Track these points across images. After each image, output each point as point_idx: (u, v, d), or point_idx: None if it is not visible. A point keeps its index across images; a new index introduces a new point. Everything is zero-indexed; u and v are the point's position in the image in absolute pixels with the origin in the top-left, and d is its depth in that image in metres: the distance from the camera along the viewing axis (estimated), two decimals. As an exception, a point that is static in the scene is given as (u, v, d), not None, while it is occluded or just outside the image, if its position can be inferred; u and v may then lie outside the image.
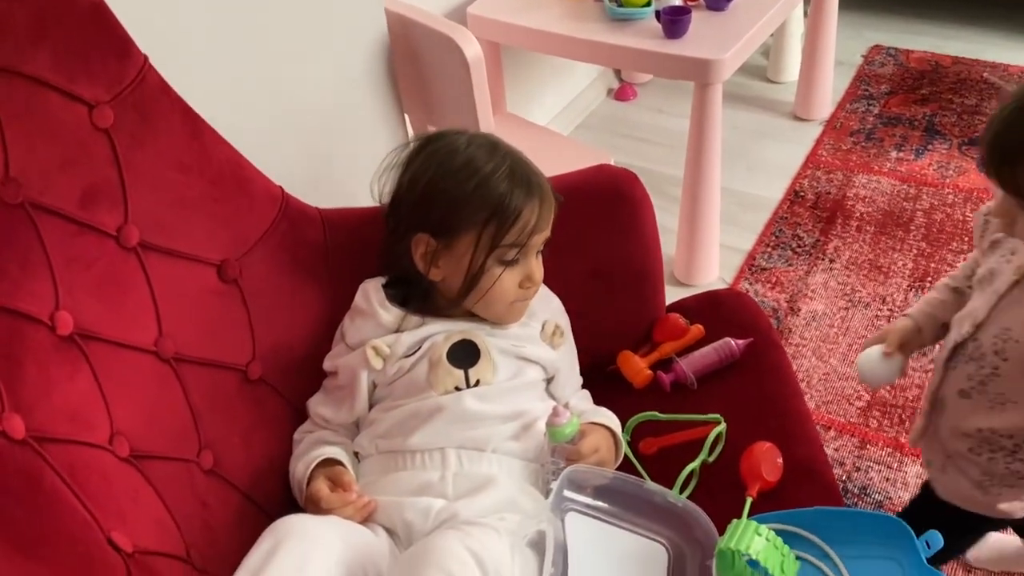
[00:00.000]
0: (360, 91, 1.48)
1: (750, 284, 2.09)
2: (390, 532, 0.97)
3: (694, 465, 1.08)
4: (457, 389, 1.03)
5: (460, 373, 1.04)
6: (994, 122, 0.89)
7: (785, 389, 1.19)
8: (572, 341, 1.16)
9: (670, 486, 1.07)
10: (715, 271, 2.10)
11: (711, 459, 1.10)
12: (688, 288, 2.07)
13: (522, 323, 1.11)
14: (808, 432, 1.13)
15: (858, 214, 2.28)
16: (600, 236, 1.22)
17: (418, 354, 1.05)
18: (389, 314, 1.08)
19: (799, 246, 2.19)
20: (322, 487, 0.97)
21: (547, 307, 1.15)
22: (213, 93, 1.12)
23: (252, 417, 1.08)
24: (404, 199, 1.07)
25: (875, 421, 1.72)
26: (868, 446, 1.67)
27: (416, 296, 1.09)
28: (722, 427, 1.11)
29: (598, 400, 1.19)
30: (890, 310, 1.98)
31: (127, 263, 0.96)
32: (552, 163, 1.51)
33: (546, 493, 1.02)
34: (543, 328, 1.12)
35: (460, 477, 0.99)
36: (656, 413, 1.15)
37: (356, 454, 1.07)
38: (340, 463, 1.02)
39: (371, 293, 1.10)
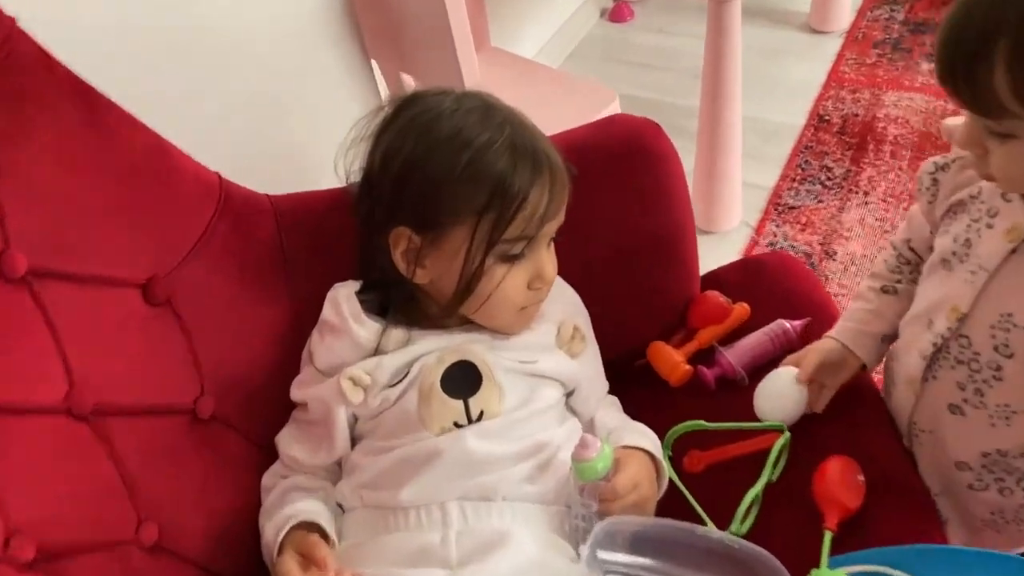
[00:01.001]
0: (313, 34, 1.21)
1: (777, 226, 1.86)
2: (382, 613, 0.77)
3: (756, 490, 0.87)
4: (457, 426, 0.82)
5: (459, 405, 0.82)
6: (951, 16, 0.64)
7: (857, 382, 0.98)
8: (594, 342, 0.94)
9: (725, 514, 0.87)
10: (738, 214, 1.87)
11: (775, 478, 0.90)
12: (708, 236, 1.84)
13: (530, 328, 0.89)
14: (891, 439, 0.92)
15: (891, 137, 2.04)
16: (619, 204, 0.99)
17: (406, 381, 0.84)
18: (366, 330, 0.86)
19: (829, 179, 1.96)
20: (290, 567, 0.77)
21: (561, 303, 0.93)
22: (117, 57, 0.87)
23: (206, 466, 0.87)
24: (377, 182, 0.84)
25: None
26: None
27: (399, 303, 0.87)
28: (785, 437, 0.90)
29: (628, 405, 0.99)
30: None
31: (15, 300, 0.73)
32: (549, 107, 1.26)
33: (575, 540, 0.82)
34: (559, 332, 0.90)
35: (465, 536, 0.79)
36: (703, 422, 0.94)
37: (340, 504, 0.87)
38: (317, 525, 0.82)
39: (342, 303, 0.87)
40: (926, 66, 2.23)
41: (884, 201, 1.88)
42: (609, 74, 2.36)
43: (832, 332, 0.94)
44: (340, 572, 0.76)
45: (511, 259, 0.81)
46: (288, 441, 0.90)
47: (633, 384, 1.02)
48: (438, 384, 0.83)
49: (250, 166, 0.96)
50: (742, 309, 1.05)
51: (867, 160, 1.99)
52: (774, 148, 2.06)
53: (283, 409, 0.92)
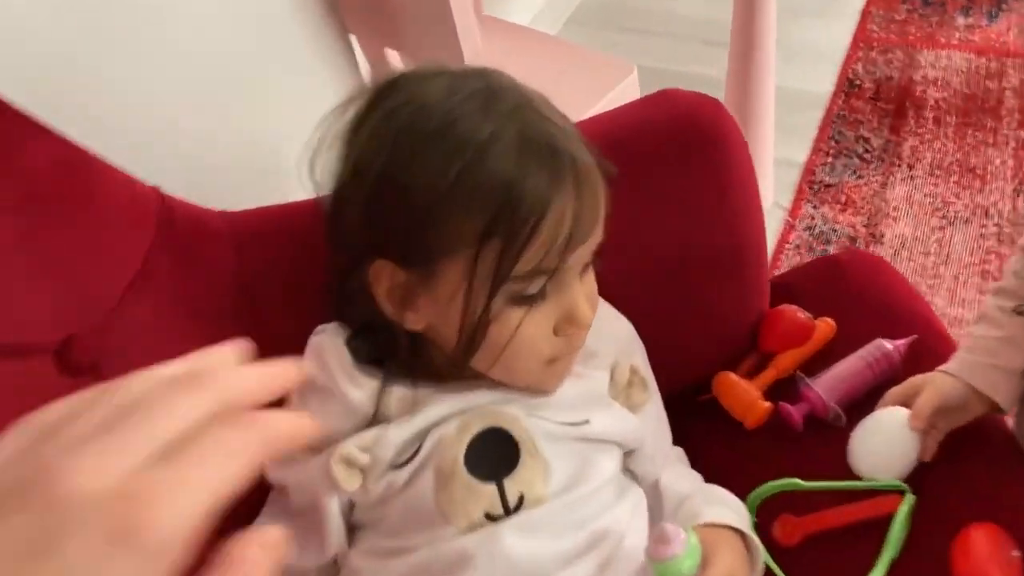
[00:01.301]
0: (277, 5, 0.99)
1: (814, 207, 1.66)
2: None
3: (879, 573, 0.68)
4: (490, 518, 0.61)
5: (491, 490, 0.62)
6: None
7: (984, 417, 0.78)
8: (655, 386, 0.73)
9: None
10: (770, 195, 1.66)
11: (896, 554, 0.70)
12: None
13: (576, 374, 0.68)
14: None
15: (932, 102, 1.83)
16: (674, 208, 0.78)
17: (418, 460, 0.63)
18: (361, 390, 0.65)
19: (867, 151, 1.75)
20: None
21: (613, 339, 0.72)
22: (22, 45, 0.65)
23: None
24: (349, 199, 0.62)
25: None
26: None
27: (396, 352, 0.66)
28: (909, 501, 0.70)
29: (693, 452, 0.78)
30: (997, 225, 1.56)
31: None
32: (557, 83, 1.04)
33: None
34: (612, 377, 0.69)
35: (513, 671, 0.58)
36: (797, 481, 0.74)
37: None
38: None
39: (329, 355, 0.66)
40: (962, 20, 2.02)
41: (932, 175, 1.68)
42: (610, 42, 2.14)
43: (951, 367, 0.73)
44: None
45: (528, 300, 0.60)
46: (268, 534, 0.69)
47: (696, 426, 0.82)
48: (462, 462, 0.62)
49: (200, 176, 0.74)
50: (826, 326, 0.85)
51: (908, 128, 1.78)
52: (801, 119, 1.85)
53: (260, 491, 0.71)
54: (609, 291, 0.75)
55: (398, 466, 0.63)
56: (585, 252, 0.61)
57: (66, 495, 0.25)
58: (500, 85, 0.61)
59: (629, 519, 0.66)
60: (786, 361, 0.83)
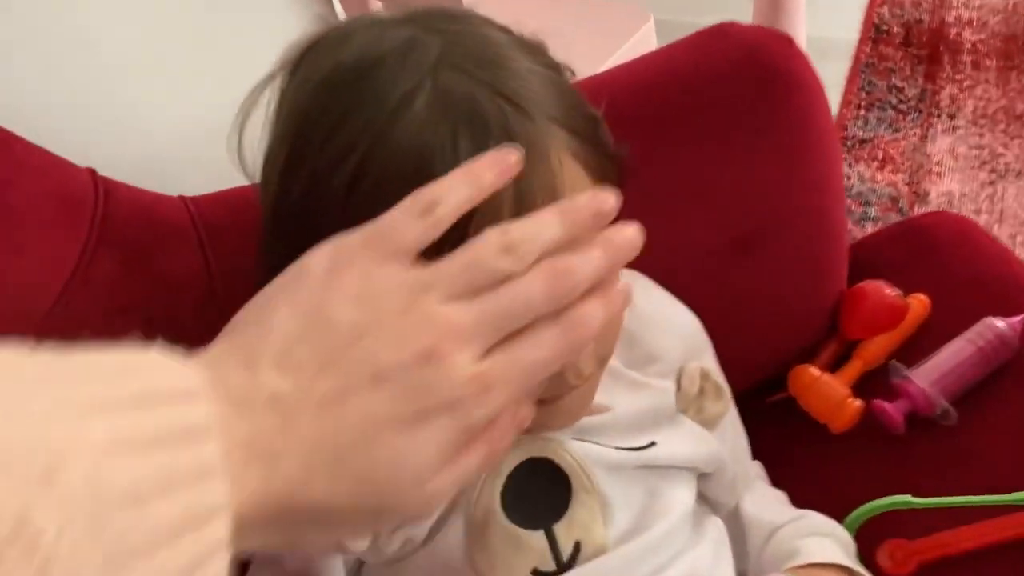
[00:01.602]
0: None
1: (849, 166, 1.51)
2: None
3: (1026, 615, 0.54)
4: (537, 574, 0.47)
5: (539, 540, 0.48)
6: None
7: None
8: (728, 392, 0.58)
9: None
10: (800, 156, 1.51)
11: (1042, 585, 0.56)
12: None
13: (634, 384, 0.53)
14: None
15: (968, 45, 1.68)
16: (744, 169, 0.63)
17: (441, 506, 0.49)
18: None
19: (901, 101, 1.60)
20: None
21: (675, 336, 0.57)
22: None
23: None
24: (267, 186, 0.46)
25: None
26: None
27: None
28: (1055, 519, 0.56)
29: (773, 472, 0.64)
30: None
31: None
32: (564, 35, 0.88)
33: None
34: (679, 384, 0.55)
35: None
36: (909, 498, 0.60)
37: None
38: None
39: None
40: (993, -44, 1.86)
41: (976, 124, 1.53)
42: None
43: None
44: None
45: None
46: (256, 601, 0.55)
47: (769, 433, 0.68)
48: (499, 506, 0.48)
49: (152, 153, 0.60)
50: (919, 304, 0.70)
51: (944, 75, 1.63)
52: (827, 69, 1.68)
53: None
54: (660, 274, 0.61)
55: (417, 517, 0.49)
56: None
57: (444, 378, 0.29)
58: (435, 28, 0.43)
59: (712, 563, 0.52)
60: (875, 349, 0.69)
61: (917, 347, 0.69)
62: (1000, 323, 0.67)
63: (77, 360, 0.25)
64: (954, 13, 1.75)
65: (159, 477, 0.24)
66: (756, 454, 0.66)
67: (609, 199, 0.34)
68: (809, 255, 0.67)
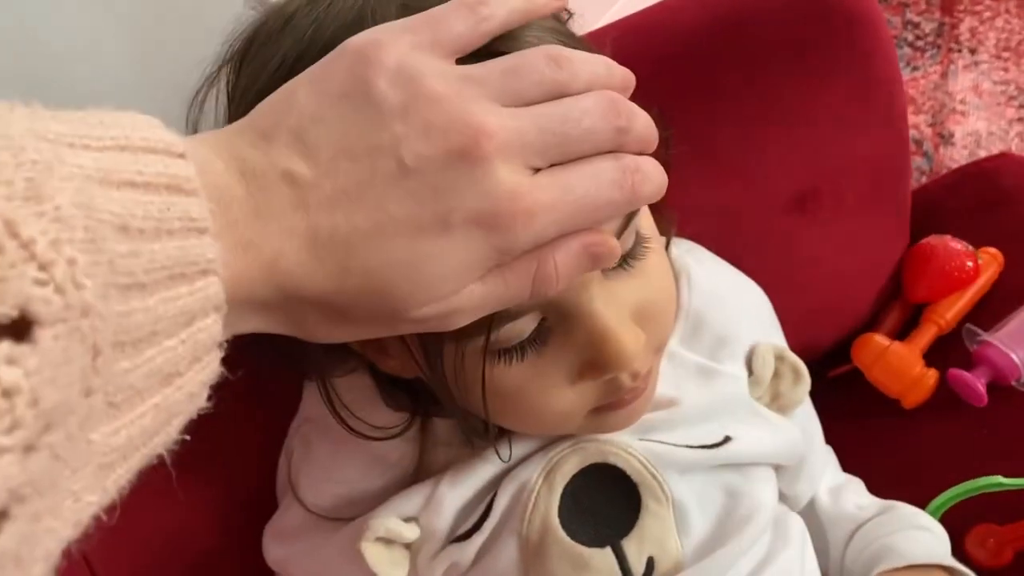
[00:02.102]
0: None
1: (868, 109, 1.43)
2: None
3: None
4: (606, 594, 0.41)
5: (606, 557, 0.41)
6: None
7: None
8: (807, 373, 0.51)
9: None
10: (815, 100, 1.43)
11: None
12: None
13: (701, 370, 0.46)
14: None
15: (986, -26, 1.59)
16: (806, 117, 0.55)
17: (489, 524, 0.42)
18: (393, 426, 0.43)
19: (919, 38, 1.52)
20: None
21: (743, 315, 0.50)
22: None
23: None
24: None
25: None
26: None
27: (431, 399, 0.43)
28: None
29: (841, 455, 0.58)
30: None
31: None
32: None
33: None
34: (750, 368, 0.48)
35: None
36: (1000, 479, 0.54)
37: None
38: None
39: (340, 386, 0.44)
40: None
41: (999, 57, 1.45)
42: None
43: None
44: None
45: (512, 353, 0.36)
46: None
47: (833, 411, 0.60)
48: (556, 522, 0.41)
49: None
50: (992, 259, 0.63)
51: (962, 7, 1.55)
52: (838, 8, 1.61)
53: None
54: (712, 241, 0.53)
55: (461, 538, 0.42)
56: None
57: (477, 182, 0.27)
58: None
59: (799, 567, 0.45)
60: (947, 312, 0.62)
61: (991, 308, 0.62)
62: (1087, 276, 0.60)
63: (56, 113, 0.23)
64: (968, -59, 1.66)
65: (149, 217, 0.22)
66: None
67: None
68: (872, 210, 0.60)
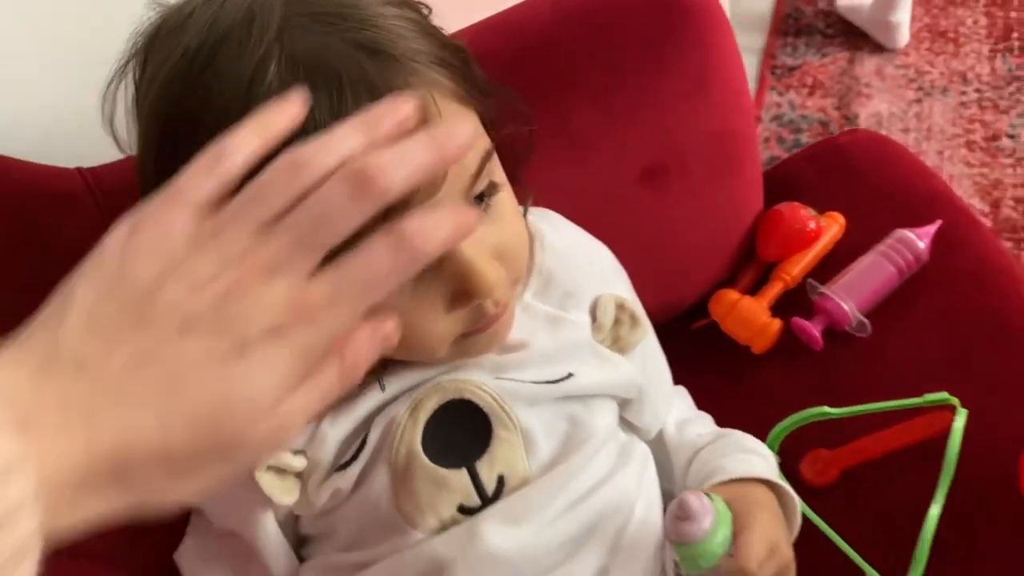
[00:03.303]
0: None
1: (779, 94, 1.52)
2: None
3: (938, 508, 0.56)
4: (464, 511, 0.48)
5: (461, 477, 0.49)
6: None
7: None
8: (647, 319, 0.59)
9: (890, 551, 0.55)
10: (730, 87, 1.51)
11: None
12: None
13: (550, 318, 0.54)
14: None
15: (892, -35, 1.68)
16: (651, 99, 0.63)
17: (364, 454, 0.49)
18: None
19: (828, 26, 1.61)
20: None
21: (589, 270, 0.58)
22: None
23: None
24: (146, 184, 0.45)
25: (1010, 255, 1.23)
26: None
27: None
28: (963, 415, 0.59)
29: (697, 396, 0.66)
30: (977, 90, 1.45)
31: None
32: None
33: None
34: (594, 317, 0.55)
35: None
36: (826, 409, 0.62)
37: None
38: None
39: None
40: None
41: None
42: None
43: None
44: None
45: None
46: (196, 562, 0.55)
47: (693, 358, 0.69)
48: (420, 450, 0.49)
49: (51, 125, 0.58)
50: (834, 222, 0.72)
51: (870, -4, 1.64)
52: (754, 1, 1.70)
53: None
54: (576, 210, 0.61)
55: (342, 467, 0.49)
56: (446, 203, 0.41)
57: (255, 308, 0.29)
58: None
59: (637, 486, 0.53)
60: (792, 269, 0.70)
61: (834, 264, 0.71)
62: (911, 234, 0.68)
63: None
64: (876, -66, 1.75)
65: None
66: (682, 380, 0.66)
67: (408, 102, 0.33)
68: (722, 179, 0.68)
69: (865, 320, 0.66)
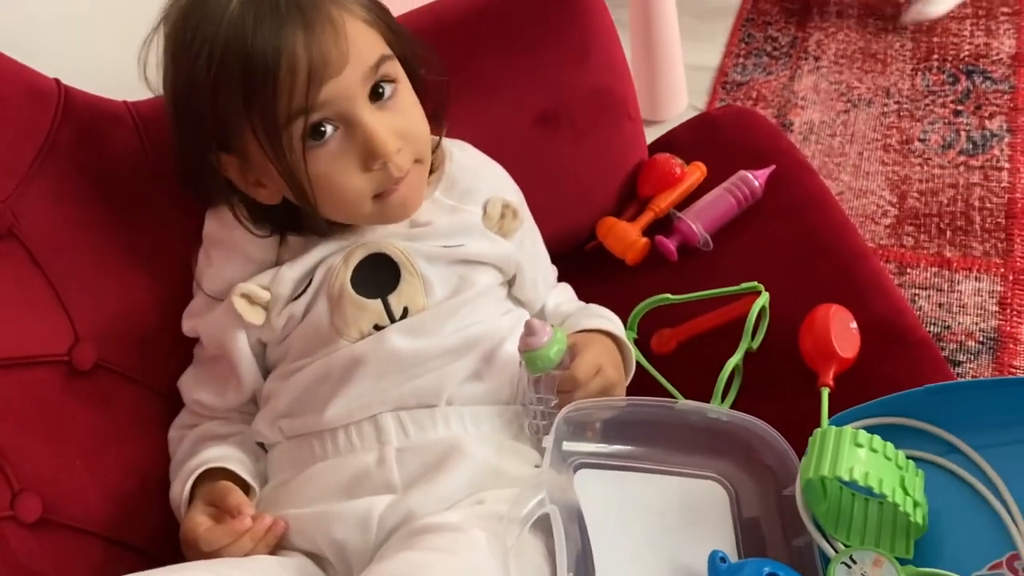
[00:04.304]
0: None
1: (727, 105, 1.73)
2: (315, 558, 0.65)
3: (736, 359, 0.76)
4: (378, 328, 0.69)
5: (376, 305, 0.69)
6: None
7: (831, 223, 0.86)
8: (532, 220, 0.81)
9: (704, 394, 0.75)
10: (683, 99, 1.73)
11: (755, 345, 0.78)
12: (655, 125, 1.71)
13: (451, 208, 0.75)
14: (878, 278, 0.81)
15: (835, -2, 1.91)
16: (540, 61, 0.85)
17: (311, 290, 0.70)
18: (259, 240, 0.72)
19: (775, 49, 1.83)
20: (199, 520, 0.64)
21: (485, 180, 0.79)
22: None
23: (96, 424, 0.73)
24: (169, 109, 0.70)
25: (910, 238, 1.42)
26: (908, 270, 1.38)
27: (284, 219, 0.73)
28: (764, 298, 0.78)
29: (583, 295, 0.86)
30: (897, 102, 1.65)
31: None
32: None
33: (535, 443, 0.70)
34: (485, 211, 0.76)
35: (408, 453, 0.67)
36: (668, 295, 0.82)
37: (262, 445, 0.74)
38: (229, 471, 0.69)
39: (224, 213, 0.73)
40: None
41: (836, 63, 1.76)
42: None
43: None
44: (259, 518, 0.64)
45: (318, 143, 0.64)
46: (191, 384, 0.76)
47: (585, 271, 0.90)
48: (348, 285, 0.70)
49: (104, 71, 0.80)
50: (697, 169, 0.93)
51: (813, 24, 1.86)
52: (712, 26, 1.92)
53: (185, 349, 0.78)
54: (494, 147, 0.82)
55: (295, 299, 0.70)
56: (353, 82, 0.63)
57: None
58: None
59: (509, 329, 0.73)
60: (661, 203, 0.91)
61: (695, 198, 0.91)
62: (750, 174, 0.89)
63: None
64: (826, -28, 1.98)
65: None
66: (575, 285, 0.87)
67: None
68: (602, 129, 0.89)
69: (708, 238, 0.86)
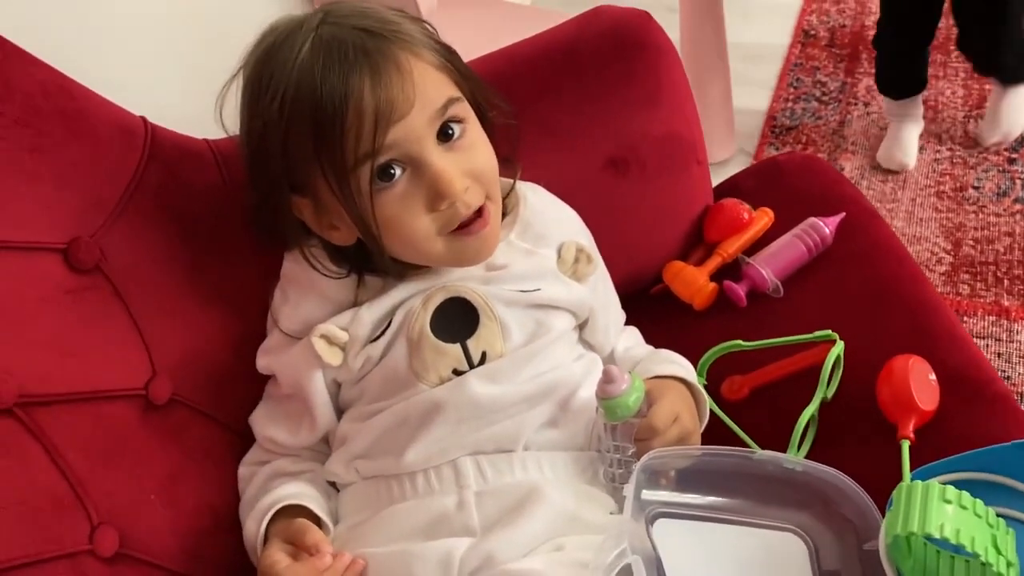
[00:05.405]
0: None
1: (776, 149, 1.74)
2: (395, 600, 0.65)
3: (812, 409, 0.75)
4: (456, 373, 0.69)
5: (455, 349, 0.69)
6: None
7: (902, 272, 0.86)
8: (603, 264, 0.81)
9: (779, 443, 0.74)
10: (733, 144, 1.74)
11: (830, 395, 0.77)
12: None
13: (527, 252, 0.76)
14: (953, 328, 0.80)
15: (884, 44, 1.91)
16: (612, 107, 0.86)
17: (389, 332, 0.71)
18: (337, 280, 0.73)
19: (824, 93, 1.83)
20: (278, 558, 0.64)
21: (558, 223, 0.79)
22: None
23: (171, 458, 0.74)
24: (244, 152, 0.71)
25: (966, 286, 1.41)
26: (965, 319, 1.36)
27: (363, 261, 0.73)
28: (840, 346, 0.78)
29: (649, 339, 0.86)
30: (950, 149, 1.65)
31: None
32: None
33: (611, 490, 0.70)
34: (560, 255, 0.77)
35: (486, 497, 0.66)
36: (740, 342, 0.82)
37: (332, 483, 0.74)
38: (305, 509, 0.69)
39: (306, 253, 0.74)
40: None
41: (886, 109, 1.76)
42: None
43: None
44: (338, 556, 0.64)
45: (386, 185, 0.65)
46: (263, 421, 0.76)
47: (652, 314, 0.89)
48: (428, 329, 0.70)
49: (185, 111, 0.82)
50: (764, 214, 0.92)
51: (862, 69, 1.87)
52: (761, 71, 1.94)
53: (257, 385, 0.79)
54: (565, 191, 0.83)
55: (373, 340, 0.71)
56: (419, 124, 0.64)
57: None
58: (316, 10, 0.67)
59: (583, 375, 0.73)
60: (729, 248, 0.90)
61: (762, 246, 0.91)
62: (820, 221, 0.88)
63: None
64: (873, 17, 1.98)
65: None
66: (641, 329, 0.86)
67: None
68: (670, 173, 0.89)
69: (779, 284, 0.86)
